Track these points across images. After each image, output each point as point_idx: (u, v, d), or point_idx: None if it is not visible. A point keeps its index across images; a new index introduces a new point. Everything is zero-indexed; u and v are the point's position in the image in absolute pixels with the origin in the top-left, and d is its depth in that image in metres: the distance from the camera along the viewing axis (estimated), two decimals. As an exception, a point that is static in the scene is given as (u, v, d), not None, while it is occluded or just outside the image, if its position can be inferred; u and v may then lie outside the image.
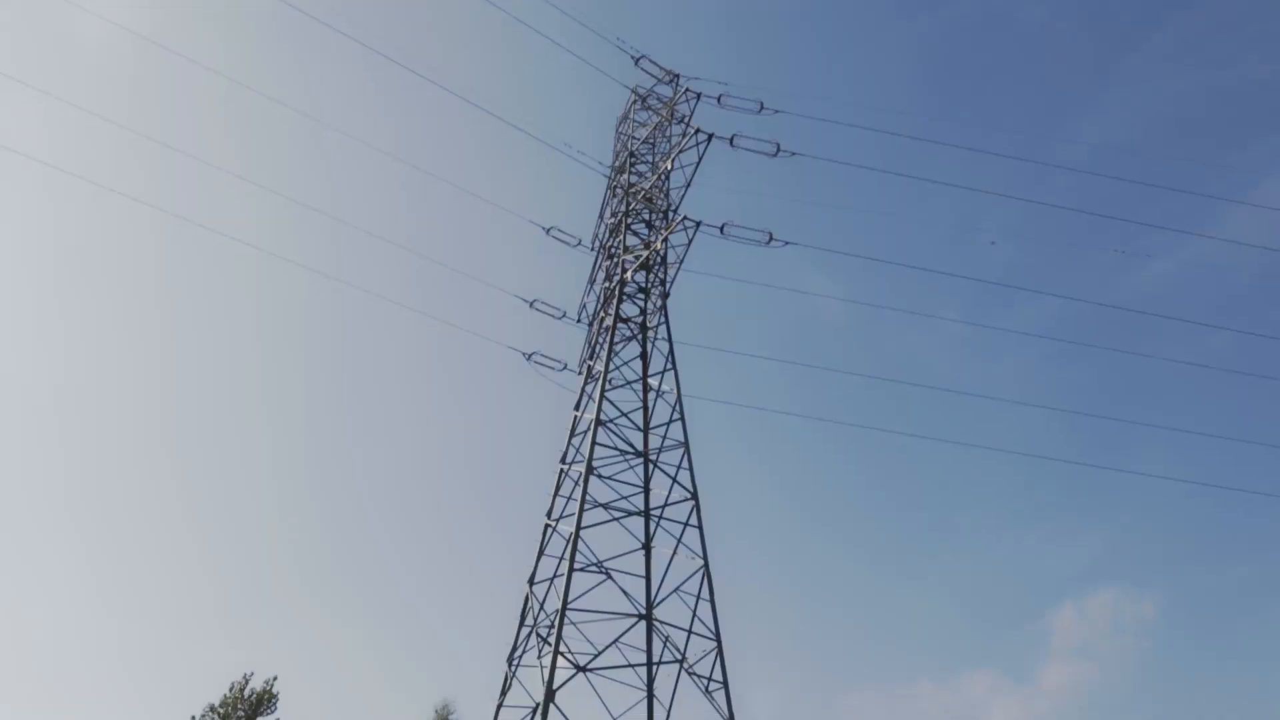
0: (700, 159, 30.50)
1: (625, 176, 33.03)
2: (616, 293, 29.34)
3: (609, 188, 34.39)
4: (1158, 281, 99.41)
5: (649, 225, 31.57)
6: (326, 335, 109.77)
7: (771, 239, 29.51)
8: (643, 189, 32.00)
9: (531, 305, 31.57)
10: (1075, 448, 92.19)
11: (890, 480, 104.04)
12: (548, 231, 33.03)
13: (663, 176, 32.01)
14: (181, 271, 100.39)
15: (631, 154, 34.01)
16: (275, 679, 46.50)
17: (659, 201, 31.87)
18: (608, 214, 33.67)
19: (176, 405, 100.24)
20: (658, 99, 34.81)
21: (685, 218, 29.20)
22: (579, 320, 31.90)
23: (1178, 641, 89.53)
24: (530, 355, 30.62)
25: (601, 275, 31.81)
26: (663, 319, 29.18)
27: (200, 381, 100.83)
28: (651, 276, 30.14)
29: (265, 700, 46.28)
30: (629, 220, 31.44)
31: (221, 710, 45.66)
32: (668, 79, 34.72)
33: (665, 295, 29.87)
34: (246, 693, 46.21)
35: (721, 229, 29.52)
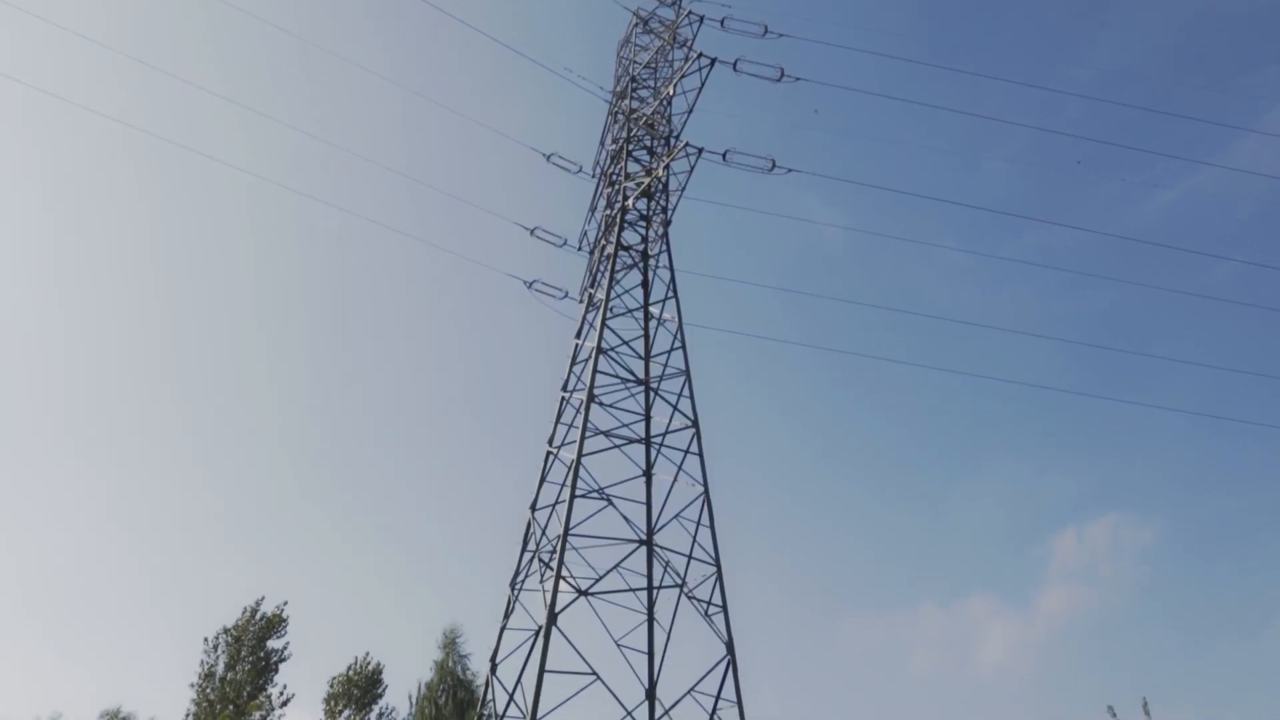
0: (703, 84, 30.01)
1: (626, 102, 32.54)
2: (618, 220, 29.13)
3: (610, 113, 33.91)
4: (1162, 211, 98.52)
5: (650, 152, 31.20)
6: (325, 264, 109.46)
7: (774, 166, 29.18)
8: (644, 115, 31.55)
9: (532, 233, 31.39)
10: (1076, 378, 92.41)
11: (891, 409, 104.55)
12: (548, 158, 32.69)
13: (664, 102, 31.53)
14: (173, 197, 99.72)
15: (633, 79, 33.46)
16: (285, 604, 47.45)
17: (661, 128, 31.45)
18: (609, 140, 33.27)
19: (175, 335, 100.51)
20: (660, 22, 34.10)
21: (687, 144, 28.85)
22: (580, 248, 31.75)
23: (1177, 568, 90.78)
24: (531, 283, 30.54)
25: (602, 203, 31.55)
26: (664, 247, 29.02)
27: (197, 309, 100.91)
28: (653, 204, 29.89)
29: (275, 624, 47.34)
30: (630, 147, 31.07)
31: (234, 633, 46.73)
32: (670, 1, 34.00)
33: (667, 223, 29.67)
34: (258, 616, 47.26)
35: (724, 156, 29.19)
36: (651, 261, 28.93)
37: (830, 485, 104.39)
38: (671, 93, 31.02)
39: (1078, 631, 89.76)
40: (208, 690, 44.76)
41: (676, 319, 27.29)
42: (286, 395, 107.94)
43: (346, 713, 43.57)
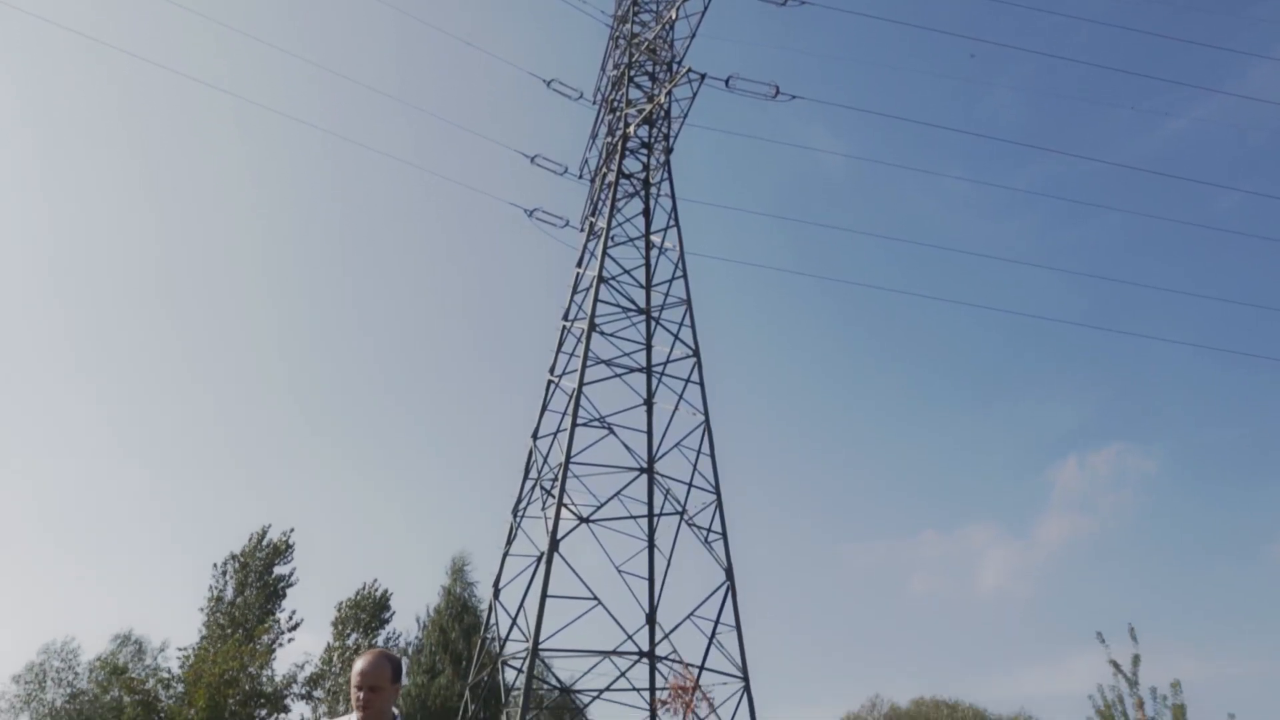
0: (705, 8, 29.31)
1: (628, 26, 31.85)
2: (619, 148, 28.75)
3: (611, 38, 33.22)
4: (1171, 140, 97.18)
5: (652, 78, 30.64)
6: (323, 193, 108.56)
7: (778, 93, 28.65)
8: (646, 40, 30.91)
9: (533, 161, 31.00)
10: (1080, 309, 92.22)
11: (892, 339, 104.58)
12: (548, 84, 32.12)
13: (667, 27, 30.85)
14: (166, 124, 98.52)
15: (635, 2, 32.71)
16: (292, 531, 48.05)
17: (663, 53, 30.83)
18: (610, 66, 32.66)
19: (175, 267, 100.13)
20: (662, -57, 33.22)
21: (689, 70, 28.28)
22: (581, 176, 31.38)
23: (1177, 497, 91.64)
24: (532, 212, 30.26)
25: (604, 130, 31.10)
26: (665, 175, 28.70)
27: (195, 239, 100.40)
28: (654, 131, 29.45)
29: (282, 550, 48.00)
30: (632, 73, 30.50)
31: (241, 559, 47.43)
32: (673, -78, 33.05)
33: (668, 150, 29.27)
34: (264, 543, 47.91)
35: (727, 82, 28.64)
36: (653, 189, 28.64)
37: (832, 415, 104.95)
38: (674, 17, 30.34)
39: (1077, 558, 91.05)
40: (217, 615, 45.58)
41: (678, 247, 27.11)
42: (287, 326, 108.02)
43: (354, 636, 44.41)
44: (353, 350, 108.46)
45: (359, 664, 3.81)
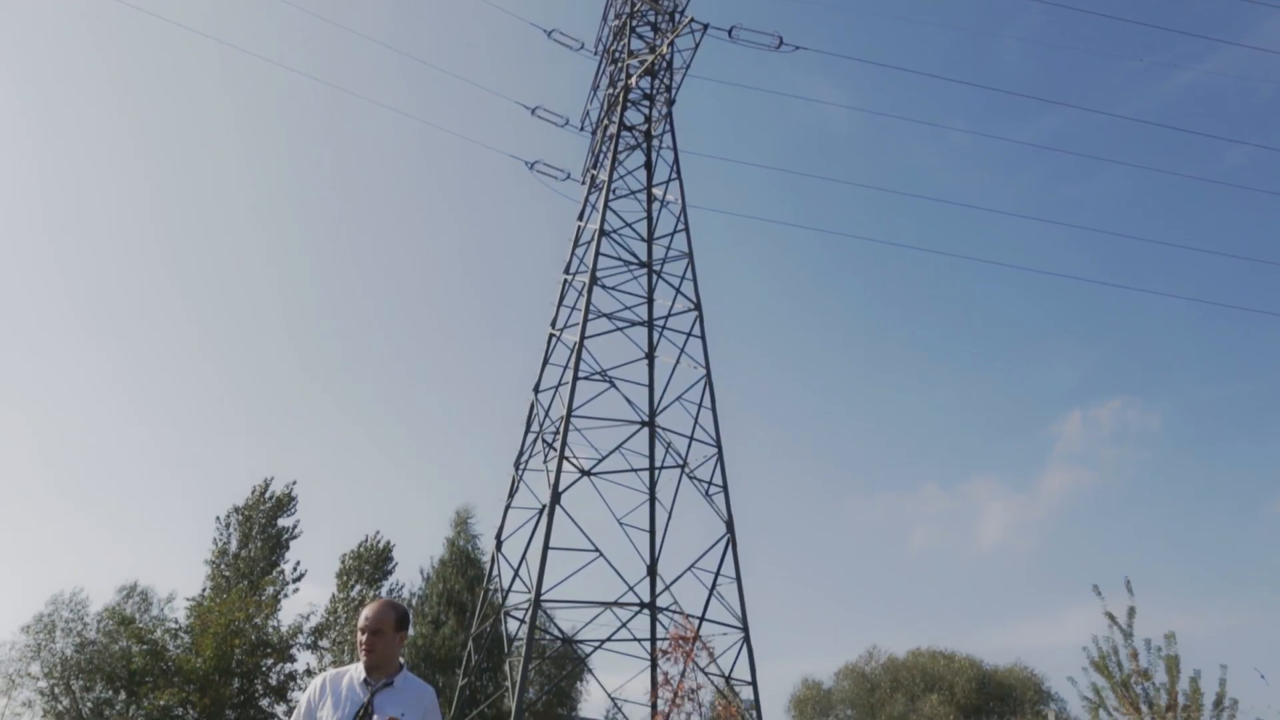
0: (708, -46, 28.84)
1: (630, -25, 31.36)
2: (620, 99, 28.44)
3: (613, -13, 32.72)
4: (1180, 93, 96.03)
5: (654, 28, 30.22)
6: (320, 145, 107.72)
7: (781, 44, 28.26)
8: (648, -12, 30.45)
9: (533, 112, 30.69)
10: (1083, 264, 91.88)
11: (894, 293, 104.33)
12: (549, 35, 31.67)
13: (669, -25, 30.38)
14: (160, 75, 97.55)
15: (636, -50, 32.16)
16: (294, 483, 48.44)
17: (665, 2, 30.38)
18: (611, 16, 32.18)
19: (172, 221, 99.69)
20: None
21: (692, 20, 27.88)
22: (582, 128, 31.09)
23: (1179, 451, 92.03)
24: (533, 164, 30.02)
25: (605, 81, 30.75)
26: (667, 127, 28.44)
27: (193, 194, 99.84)
28: (656, 82, 29.13)
29: (285, 503, 48.38)
30: (633, 23, 30.08)
31: (245, 512, 47.82)
32: None
33: (670, 102, 28.97)
34: (267, 496, 48.28)
35: (730, 32, 28.23)
36: (655, 142, 28.40)
37: (833, 370, 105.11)
38: (676, -35, 29.86)
39: (1077, 512, 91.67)
40: (221, 567, 46.08)
41: (679, 201, 26.95)
42: (287, 280, 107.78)
43: (358, 587, 44.91)
44: (353, 304, 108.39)
45: (365, 610, 3.85)
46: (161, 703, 32.00)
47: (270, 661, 35.26)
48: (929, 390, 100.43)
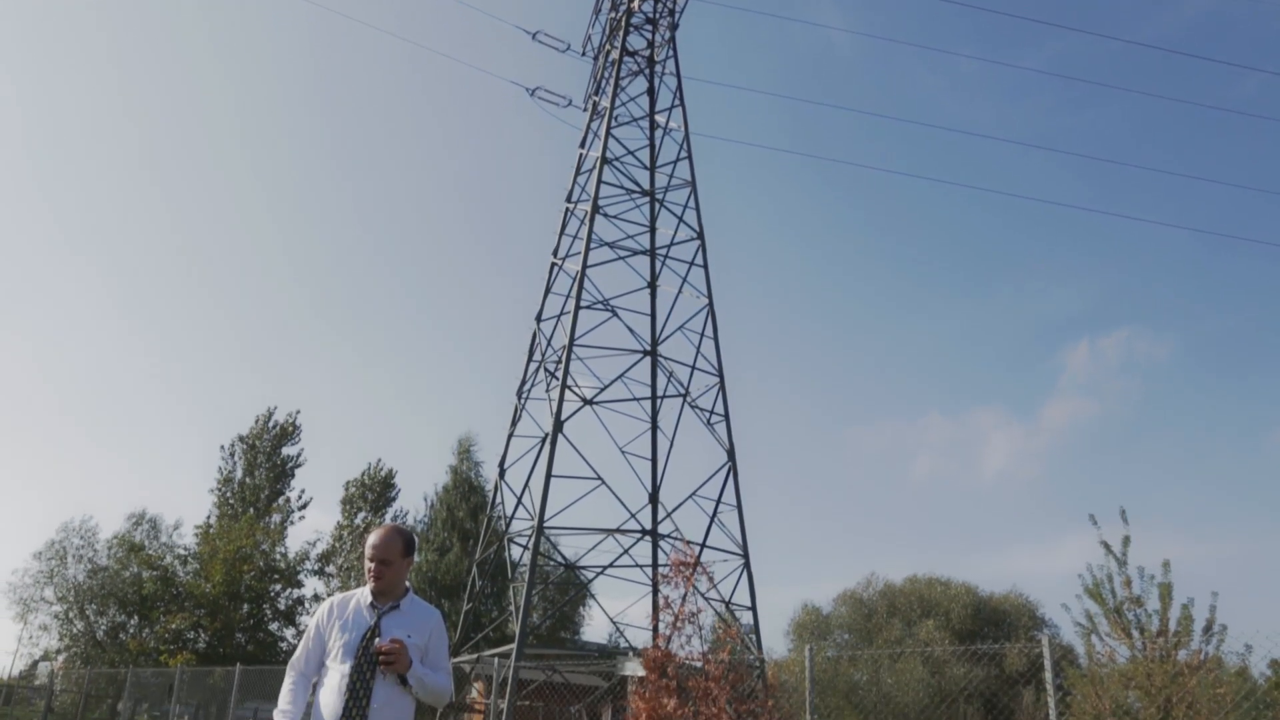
0: None
1: (632, -108, 30.43)
2: (623, 23, 27.85)
3: (615, -95, 31.78)
4: (1193, 19, 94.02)
5: (657, -51, 29.45)
6: (318, 71, 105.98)
7: (788, -37, 27.55)
8: (651, -94, 29.58)
9: (534, 37, 30.05)
10: (1090, 193, 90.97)
11: (899, 223, 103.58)
12: (549, -45, 30.88)
13: (673, -108, 29.48)
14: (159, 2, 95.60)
15: None
16: (298, 412, 48.74)
17: (668, -78, 29.54)
18: (613, -64, 31.34)
19: (165, 149, 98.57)
20: None
21: (696, -61, 27.21)
22: (584, 53, 30.47)
23: (1184, 383, 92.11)
24: (534, 90, 29.52)
25: (607, 5, 30.04)
26: (671, 52, 27.89)
27: (186, 122, 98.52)
28: (659, 6, 28.48)
29: (289, 432, 48.75)
30: (636, -57, 29.29)
31: (249, 440, 48.20)
32: None
33: (674, 26, 28.36)
34: (271, 424, 48.60)
35: (735, -48, 27.58)
36: (657, 67, 27.87)
37: (837, 299, 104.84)
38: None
39: (1080, 442, 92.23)
40: (227, 495, 46.62)
41: (683, 128, 26.56)
42: (285, 210, 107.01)
43: (363, 514, 45.47)
44: (354, 233, 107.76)
45: (371, 538, 3.88)
46: (173, 626, 32.67)
47: (278, 587, 35.88)
48: (934, 320, 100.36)
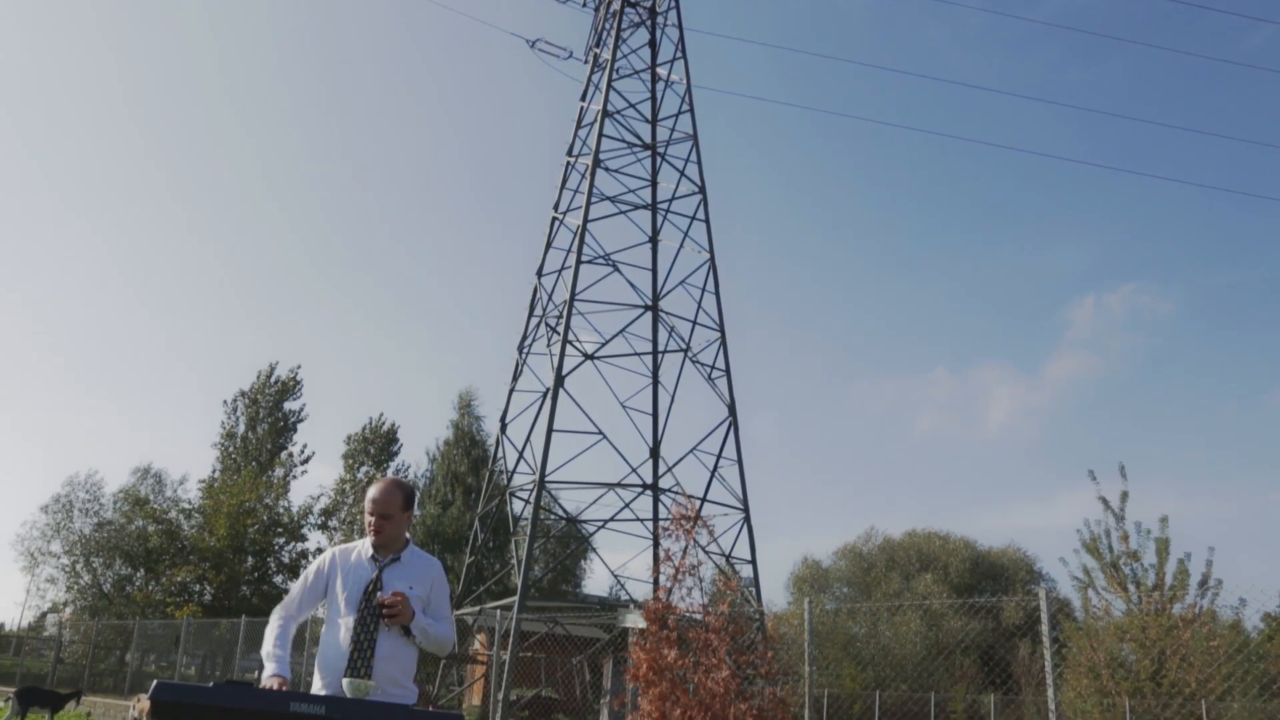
0: None
1: None
2: (624, -27, 27.38)
3: None
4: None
5: (660, -105, 28.87)
6: (315, 23, 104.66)
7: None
8: None
9: (533, -13, 29.61)
10: (1096, 149, 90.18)
11: (903, 179, 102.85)
12: (549, -97, 30.32)
13: None
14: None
15: None
16: (299, 367, 48.79)
17: None
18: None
19: (160, 103, 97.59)
20: None
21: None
22: (584, 4, 30.01)
23: (1189, 339, 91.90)
24: (534, 42, 29.10)
25: (608, -46, 29.55)
26: (673, 3, 27.46)
27: (182, 75, 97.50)
28: (661, -46, 27.99)
29: (290, 387, 48.83)
30: (638, -111, 28.71)
31: (251, 395, 48.29)
32: None
33: (676, -24, 27.88)
34: (272, 380, 48.66)
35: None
36: (659, 19, 27.47)
37: (841, 255, 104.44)
38: None
39: (1083, 397, 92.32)
40: (230, 449, 46.83)
41: (685, 81, 26.24)
42: (280, 164, 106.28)
43: (365, 468, 45.71)
44: (352, 187, 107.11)
45: (371, 491, 3.88)
46: (179, 579, 33.00)
47: (282, 540, 36.18)
48: (939, 277, 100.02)
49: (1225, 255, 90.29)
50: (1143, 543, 28.42)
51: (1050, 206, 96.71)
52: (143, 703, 16.69)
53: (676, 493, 21.25)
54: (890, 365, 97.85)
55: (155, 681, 3.00)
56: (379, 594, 3.65)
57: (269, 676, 3.48)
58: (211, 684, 3.05)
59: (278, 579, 34.75)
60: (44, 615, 39.30)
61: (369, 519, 3.80)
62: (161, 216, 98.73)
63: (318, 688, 3.60)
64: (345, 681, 3.37)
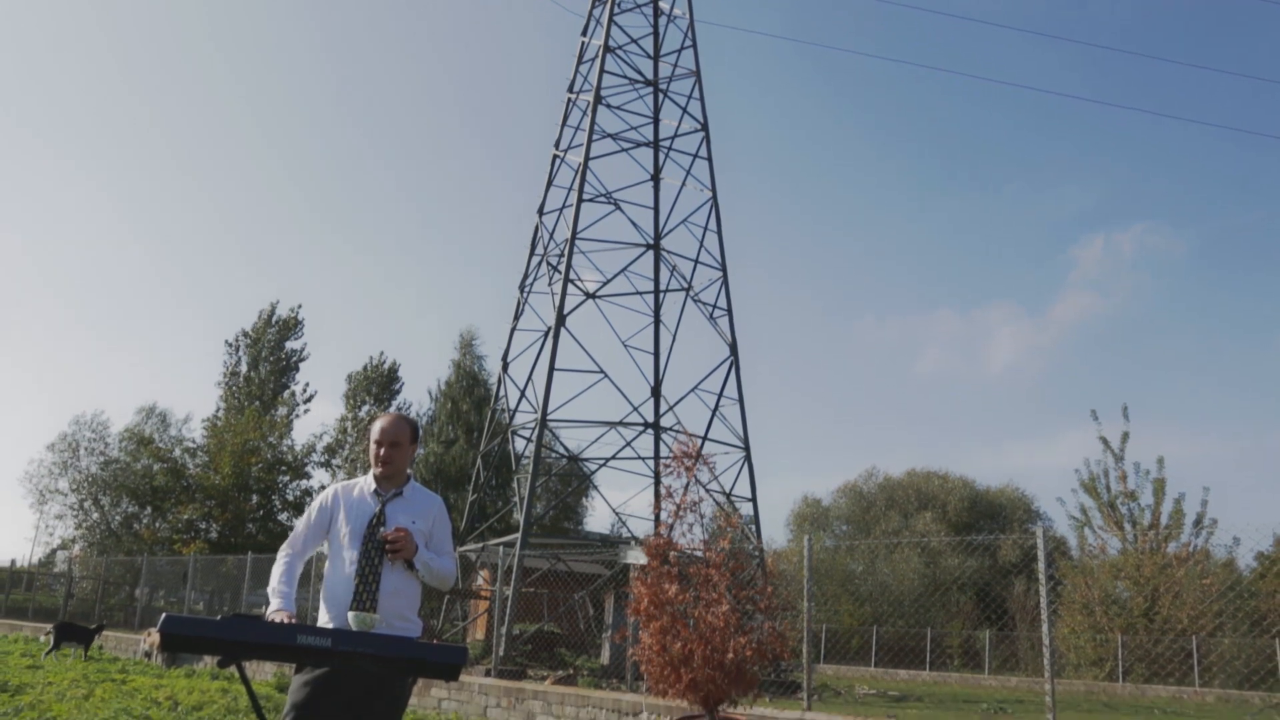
0: None
1: None
2: (626, -98, 26.71)
3: None
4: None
5: None
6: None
7: None
8: None
9: (533, -83, 28.92)
10: (1106, 87, 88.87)
11: (908, 118, 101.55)
12: None
13: None
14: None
15: None
16: (300, 306, 48.79)
17: None
18: None
19: (156, 48, 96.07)
20: None
21: None
22: (585, -65, 29.33)
23: (1199, 281, 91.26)
24: (533, -25, 28.52)
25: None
26: (675, -68, 26.83)
27: (178, 19, 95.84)
28: (664, -117, 27.28)
29: (291, 326, 48.84)
30: None
31: (252, 335, 48.34)
32: None
33: (679, -95, 27.22)
34: (273, 319, 48.66)
35: None
36: (662, -49, 26.88)
37: (844, 195, 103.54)
38: None
39: (1089, 337, 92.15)
40: (233, 388, 47.04)
41: (688, 15, 25.77)
42: (278, 105, 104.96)
43: (367, 406, 45.94)
44: (348, 126, 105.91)
45: (380, 422, 3.89)
46: (185, 517, 33.38)
47: (286, 478, 36.50)
48: (945, 217, 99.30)
49: (1238, 196, 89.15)
50: (1140, 483, 28.76)
51: (1059, 145, 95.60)
52: (153, 636, 17.08)
53: (678, 431, 21.37)
54: (894, 305, 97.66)
55: (164, 615, 3.04)
56: (382, 529, 3.68)
57: (274, 611, 3.52)
58: (219, 617, 3.09)
59: (282, 516, 35.15)
60: (54, 552, 39.85)
61: (377, 449, 3.81)
62: (156, 159, 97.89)
63: (323, 621, 3.65)
64: (350, 615, 3.41)
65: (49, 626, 18.47)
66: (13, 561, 32.77)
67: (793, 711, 9.04)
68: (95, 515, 35.86)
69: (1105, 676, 26.60)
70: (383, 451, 3.78)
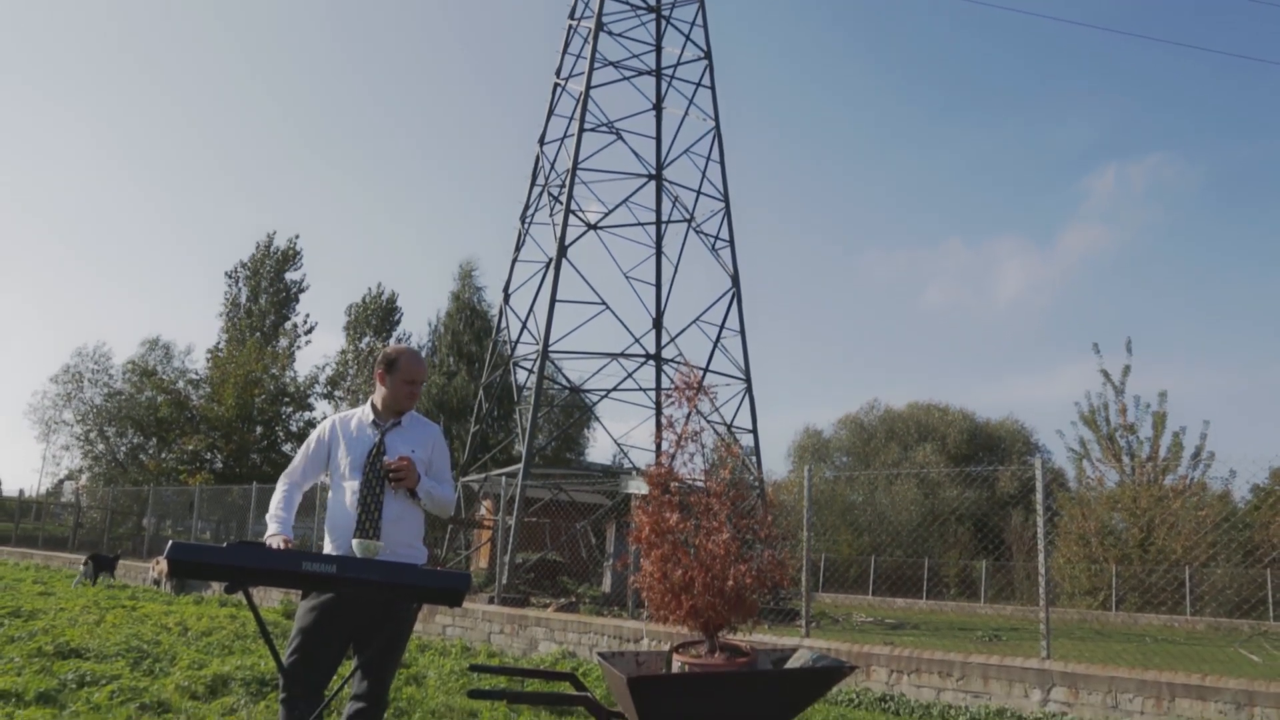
0: None
1: None
2: None
3: None
4: None
5: None
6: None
7: None
8: None
9: None
10: (1123, 17, 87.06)
11: (913, 50, 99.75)
12: None
13: None
14: None
15: None
16: (298, 237, 48.55)
17: None
18: None
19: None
20: None
21: None
22: None
23: (1210, 214, 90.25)
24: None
25: None
26: None
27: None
28: None
29: (290, 257, 48.67)
30: None
31: (251, 266, 48.20)
32: None
33: None
34: (272, 250, 48.47)
35: None
36: None
37: (849, 128, 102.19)
38: None
39: (1097, 270, 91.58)
40: (235, 320, 47.06)
41: (691, -62, 25.11)
42: (270, 35, 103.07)
43: (367, 338, 45.99)
44: (341, 55, 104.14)
45: (409, 362, 3.93)
46: (190, 448, 33.64)
47: (289, 410, 36.70)
48: (952, 150, 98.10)
49: (1253, 129, 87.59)
50: (1140, 416, 28.90)
51: (1069, 76, 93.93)
52: (161, 564, 17.34)
53: (679, 363, 21.41)
54: (900, 238, 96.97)
55: (171, 542, 3.08)
56: (384, 458, 3.71)
57: (270, 536, 3.57)
58: (225, 545, 3.13)
59: (286, 447, 35.42)
60: (61, 482, 40.27)
61: (409, 389, 3.88)
62: (146, 94, 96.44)
63: (328, 550, 3.70)
64: (355, 542, 3.46)
65: (84, 557, 19.43)
66: (20, 491, 33.16)
67: (791, 638, 9.23)
68: (101, 446, 36.15)
69: (1099, 605, 27.05)
70: (413, 389, 3.89)
